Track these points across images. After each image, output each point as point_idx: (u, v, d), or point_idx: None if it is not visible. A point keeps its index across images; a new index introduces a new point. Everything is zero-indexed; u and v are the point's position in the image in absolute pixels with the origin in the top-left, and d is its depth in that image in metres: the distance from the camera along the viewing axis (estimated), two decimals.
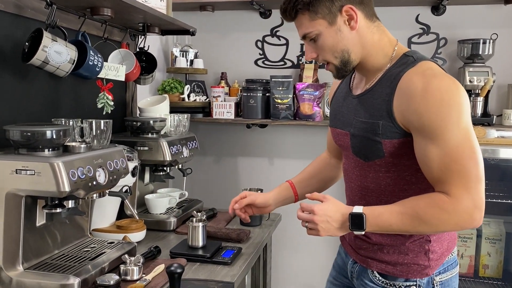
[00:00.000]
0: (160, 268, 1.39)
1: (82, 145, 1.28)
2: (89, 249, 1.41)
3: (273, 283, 2.41)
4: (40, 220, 1.29)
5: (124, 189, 1.52)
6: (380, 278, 1.23)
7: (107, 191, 1.41)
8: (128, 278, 1.30)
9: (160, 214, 1.86)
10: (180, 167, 1.99)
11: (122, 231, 1.63)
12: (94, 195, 1.35)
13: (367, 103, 1.18)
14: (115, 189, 1.44)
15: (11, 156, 1.16)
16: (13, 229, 1.19)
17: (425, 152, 1.08)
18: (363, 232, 1.11)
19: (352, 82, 1.30)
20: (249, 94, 2.38)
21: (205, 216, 1.62)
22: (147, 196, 1.88)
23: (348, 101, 1.27)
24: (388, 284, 1.22)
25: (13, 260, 1.20)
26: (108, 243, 1.48)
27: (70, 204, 1.25)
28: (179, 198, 1.97)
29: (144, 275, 1.33)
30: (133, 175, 1.66)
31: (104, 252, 1.39)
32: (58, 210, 1.23)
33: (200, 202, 2.11)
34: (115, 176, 1.36)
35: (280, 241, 2.61)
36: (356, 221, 1.10)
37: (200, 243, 1.54)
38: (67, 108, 1.70)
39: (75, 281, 1.19)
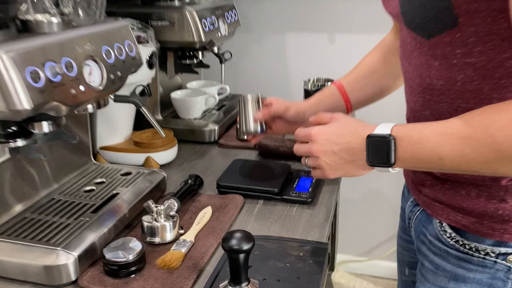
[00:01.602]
0: (207, 215, 0.89)
1: (54, 20, 0.69)
2: (92, 189, 0.90)
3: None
4: (1, 154, 0.77)
5: (138, 90, 0.96)
6: (453, 235, 0.72)
7: (110, 97, 0.86)
8: (156, 241, 0.80)
9: (195, 119, 1.32)
10: (216, 50, 1.39)
11: (143, 149, 1.11)
12: (89, 107, 0.80)
13: None
14: (124, 90, 0.89)
15: None
16: None
17: None
18: (391, 170, 0.66)
19: None
20: None
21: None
22: (174, 95, 1.33)
23: None
24: (465, 247, 0.71)
25: None
26: (121, 174, 0.97)
27: (45, 127, 0.71)
28: (218, 94, 1.41)
29: (181, 231, 0.83)
30: (150, 66, 1.09)
31: (116, 194, 0.88)
32: (19, 142, 0.69)
33: None
34: (118, 73, 0.80)
35: None
36: (378, 149, 0.65)
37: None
38: None
39: (68, 260, 0.70)
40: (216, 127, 1.27)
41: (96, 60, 0.75)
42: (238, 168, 1.05)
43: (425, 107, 0.69)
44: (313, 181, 1.00)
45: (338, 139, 0.70)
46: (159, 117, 1.31)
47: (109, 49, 0.78)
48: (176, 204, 0.84)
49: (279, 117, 0.97)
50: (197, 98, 1.31)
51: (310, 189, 0.96)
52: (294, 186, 0.98)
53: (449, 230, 0.72)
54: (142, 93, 1.07)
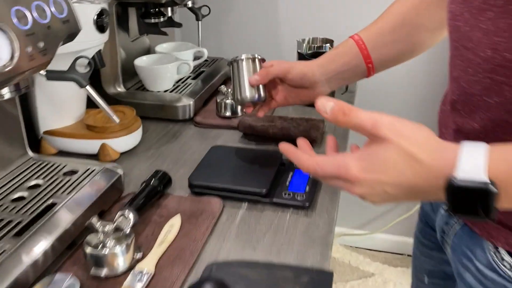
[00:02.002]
0: (174, 228, 0.68)
1: None
2: (22, 196, 0.68)
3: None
4: None
5: (81, 62, 0.72)
6: None
7: (41, 74, 0.64)
8: (103, 274, 0.60)
9: (165, 92, 1.09)
10: (191, 4, 1.14)
11: (98, 134, 0.89)
12: (4, 92, 0.58)
13: None
14: (59, 62, 0.65)
15: None
16: None
17: None
18: (487, 220, 0.43)
19: None
20: None
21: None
22: (138, 62, 1.09)
23: None
24: None
25: None
26: (64, 173, 0.75)
27: None
28: (194, 59, 1.17)
29: (138, 255, 0.63)
30: (101, 28, 0.84)
31: (53, 204, 0.67)
32: None
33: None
34: (41, 44, 0.57)
35: None
36: (468, 202, 0.42)
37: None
38: None
39: None
40: (191, 102, 1.05)
41: (1, 28, 0.52)
42: (217, 158, 0.84)
43: (491, 92, 0.48)
44: (311, 176, 0.79)
45: (394, 179, 0.45)
46: (121, 89, 1.08)
47: (23, 10, 0.54)
48: (131, 218, 0.63)
49: (281, 81, 0.76)
50: (166, 66, 1.07)
51: (307, 188, 0.76)
52: (287, 183, 0.77)
53: (508, 259, 0.53)
54: (88, 67, 0.83)
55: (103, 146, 0.87)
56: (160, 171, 0.77)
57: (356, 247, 2.06)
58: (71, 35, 0.64)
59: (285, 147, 0.54)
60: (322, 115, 0.47)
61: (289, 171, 0.81)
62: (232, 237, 0.68)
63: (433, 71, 1.49)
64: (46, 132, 0.90)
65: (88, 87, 0.70)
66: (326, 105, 0.46)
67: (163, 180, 0.75)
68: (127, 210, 0.64)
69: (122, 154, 0.90)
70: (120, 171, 0.76)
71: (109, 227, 0.61)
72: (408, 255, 1.94)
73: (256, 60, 0.77)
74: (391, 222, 1.86)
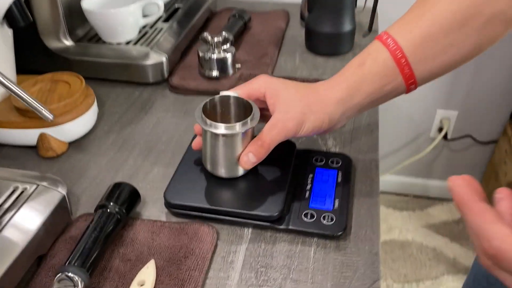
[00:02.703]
0: (146, 285, 0.46)
1: None
2: None
3: None
4: None
5: None
6: None
7: None
8: None
9: (128, 44, 0.81)
10: None
11: (32, 120, 0.63)
12: None
13: None
14: None
15: None
16: None
17: None
18: None
19: None
20: None
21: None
22: (87, 5, 0.79)
23: None
24: None
25: None
26: None
27: None
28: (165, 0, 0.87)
29: None
30: None
31: None
32: None
33: None
34: None
35: None
36: None
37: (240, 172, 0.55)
38: None
39: None
40: (164, 58, 0.77)
41: None
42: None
43: None
44: (339, 177, 0.56)
45: None
46: (69, 42, 0.79)
47: None
48: (78, 283, 0.40)
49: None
50: (126, 9, 0.78)
51: (336, 203, 0.53)
52: (307, 196, 0.54)
53: None
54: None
55: (42, 138, 0.62)
56: (120, 187, 0.52)
57: None
58: None
59: (460, 192, 0.31)
60: None
61: (308, 169, 0.57)
62: None
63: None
64: None
65: None
66: None
67: (126, 202, 0.52)
68: (70, 273, 0.41)
69: (71, 143, 0.65)
70: (62, 190, 0.51)
71: None
72: (414, 196, 1.79)
73: (248, 122, 0.51)
74: (399, 165, 1.67)
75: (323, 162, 0.59)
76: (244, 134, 0.51)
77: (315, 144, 0.64)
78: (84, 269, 0.43)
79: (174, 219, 0.54)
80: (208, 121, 0.50)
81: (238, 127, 0.50)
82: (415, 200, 1.78)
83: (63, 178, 0.55)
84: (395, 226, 1.73)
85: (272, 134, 0.49)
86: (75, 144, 0.65)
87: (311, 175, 0.57)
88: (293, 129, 0.49)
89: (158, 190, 0.57)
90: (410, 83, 0.48)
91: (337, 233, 0.50)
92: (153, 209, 0.55)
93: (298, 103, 0.50)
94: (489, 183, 1.59)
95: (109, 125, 0.70)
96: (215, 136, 0.50)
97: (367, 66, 0.49)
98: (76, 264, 0.43)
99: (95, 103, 0.67)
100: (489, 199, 0.31)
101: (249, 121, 0.50)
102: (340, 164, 0.58)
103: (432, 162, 1.67)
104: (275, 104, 0.51)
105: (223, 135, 0.50)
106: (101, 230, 0.47)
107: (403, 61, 0.47)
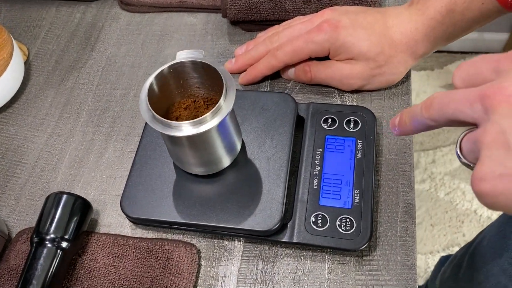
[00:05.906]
0: None
1: None
2: None
3: None
4: None
5: None
6: None
7: None
8: None
9: None
10: None
11: None
12: None
13: None
14: None
15: None
16: None
17: None
18: None
19: None
20: None
21: None
22: None
23: None
24: None
25: None
26: None
27: None
28: None
29: None
30: None
31: None
32: None
33: None
34: None
35: None
36: None
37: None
38: None
39: None
40: None
41: None
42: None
43: None
44: (358, 149, 0.41)
45: None
46: None
47: None
48: None
49: None
50: None
51: (355, 194, 0.38)
52: (316, 183, 0.39)
53: None
54: None
55: None
56: (60, 202, 0.38)
57: None
58: None
59: None
60: None
61: (313, 144, 0.41)
62: None
63: None
64: None
65: None
66: None
67: (72, 222, 0.38)
68: None
69: None
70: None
71: None
72: (436, 51, 1.60)
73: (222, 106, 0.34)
74: None
75: (336, 124, 0.42)
76: (222, 124, 0.34)
77: (324, 98, 0.47)
78: None
79: (139, 231, 0.40)
80: (164, 121, 0.33)
81: (210, 120, 0.33)
82: (434, 57, 1.60)
83: None
84: (412, 88, 1.58)
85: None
86: None
87: (319, 150, 0.41)
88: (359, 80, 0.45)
89: (116, 180, 0.43)
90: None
91: (359, 246, 0.37)
92: (112, 212, 0.42)
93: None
94: None
95: (45, 74, 0.52)
96: (178, 139, 0.34)
97: None
98: None
99: (16, 51, 0.48)
100: None
101: (222, 103, 0.33)
102: (359, 126, 0.42)
103: None
104: None
105: (189, 137, 0.34)
106: (40, 276, 0.35)
107: None
